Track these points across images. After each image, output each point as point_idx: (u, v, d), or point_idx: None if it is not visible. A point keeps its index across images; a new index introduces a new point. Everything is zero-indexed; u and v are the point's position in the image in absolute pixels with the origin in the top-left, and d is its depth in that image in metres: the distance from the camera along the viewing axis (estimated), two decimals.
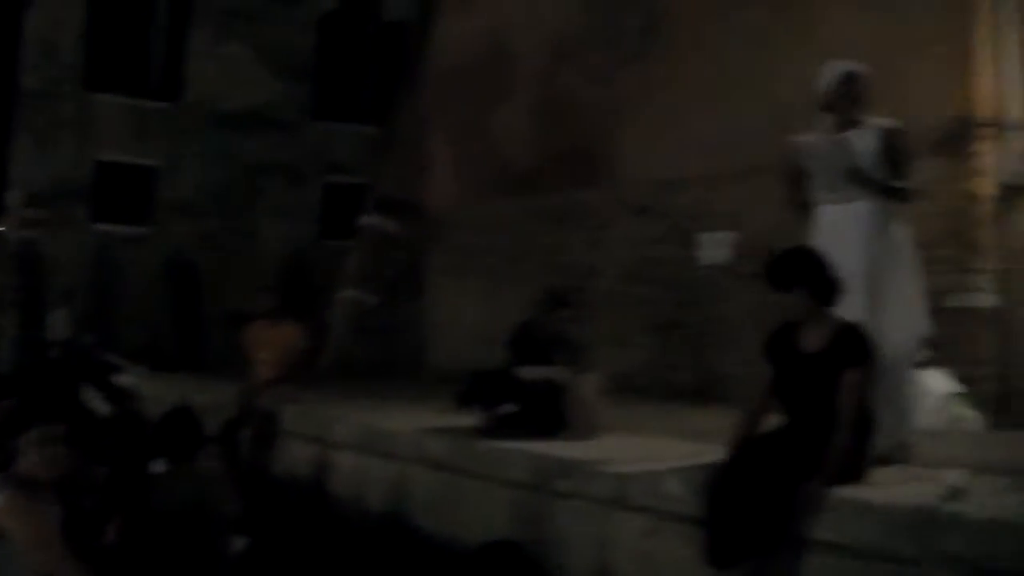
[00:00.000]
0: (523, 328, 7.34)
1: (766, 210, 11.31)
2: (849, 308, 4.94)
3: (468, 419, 7.28)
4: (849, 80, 5.69)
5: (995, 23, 10.44)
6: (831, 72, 5.76)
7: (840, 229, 5.52)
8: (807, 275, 4.76)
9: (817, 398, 4.62)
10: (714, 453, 4.85)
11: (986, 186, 10.24)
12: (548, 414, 6.86)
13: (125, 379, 10.57)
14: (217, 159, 21.88)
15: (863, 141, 5.62)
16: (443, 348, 15.32)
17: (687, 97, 12.47)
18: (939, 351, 10.03)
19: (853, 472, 4.67)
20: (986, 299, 10.20)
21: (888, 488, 4.67)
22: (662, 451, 6.06)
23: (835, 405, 4.56)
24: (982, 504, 4.30)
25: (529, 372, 6.99)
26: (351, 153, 22.30)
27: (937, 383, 9.87)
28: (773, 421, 4.92)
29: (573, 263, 13.72)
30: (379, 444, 7.94)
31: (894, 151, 5.66)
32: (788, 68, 10.50)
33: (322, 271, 18.96)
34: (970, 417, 9.67)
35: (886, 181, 5.58)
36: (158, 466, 5.93)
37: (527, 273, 13.82)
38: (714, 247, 12.00)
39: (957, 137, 10.23)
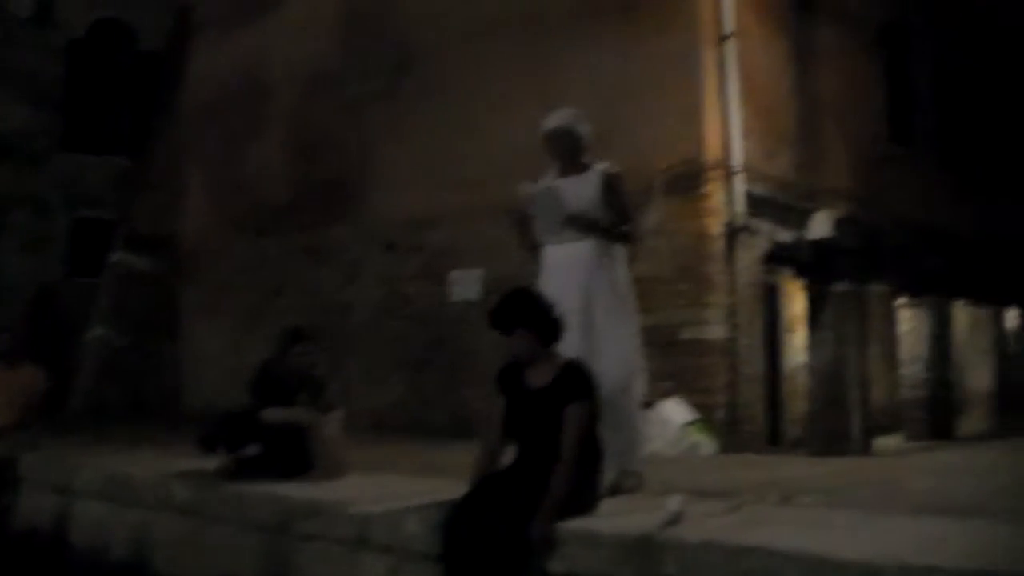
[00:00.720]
0: (264, 368, 7.18)
1: (514, 248, 11.75)
2: (568, 345, 5.08)
3: (214, 462, 7.07)
4: (553, 138, 5.82)
5: (721, 74, 11.12)
6: (547, 123, 5.88)
7: (561, 269, 5.69)
8: (527, 317, 4.84)
9: (544, 434, 4.70)
10: (456, 490, 4.89)
11: (715, 225, 10.85)
12: (293, 455, 6.70)
13: None
14: None
15: (582, 186, 5.76)
16: (198, 389, 14.88)
17: (438, 135, 12.67)
18: (677, 382, 10.59)
19: (585, 504, 4.79)
20: (715, 331, 10.79)
21: (616, 518, 4.79)
22: (406, 490, 6.01)
23: (559, 440, 4.64)
24: (697, 527, 4.50)
25: (271, 414, 6.84)
26: (102, 186, 21.42)
27: (675, 412, 10.35)
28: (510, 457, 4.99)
29: (328, 300, 13.66)
30: (123, 491, 7.58)
31: (613, 194, 5.77)
32: (531, 109, 10.81)
33: (71, 309, 18.10)
34: (703, 444, 10.18)
35: (604, 224, 5.74)
36: None
37: (283, 310, 13.64)
38: (465, 284, 12.19)
39: (689, 179, 10.82)
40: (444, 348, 12.32)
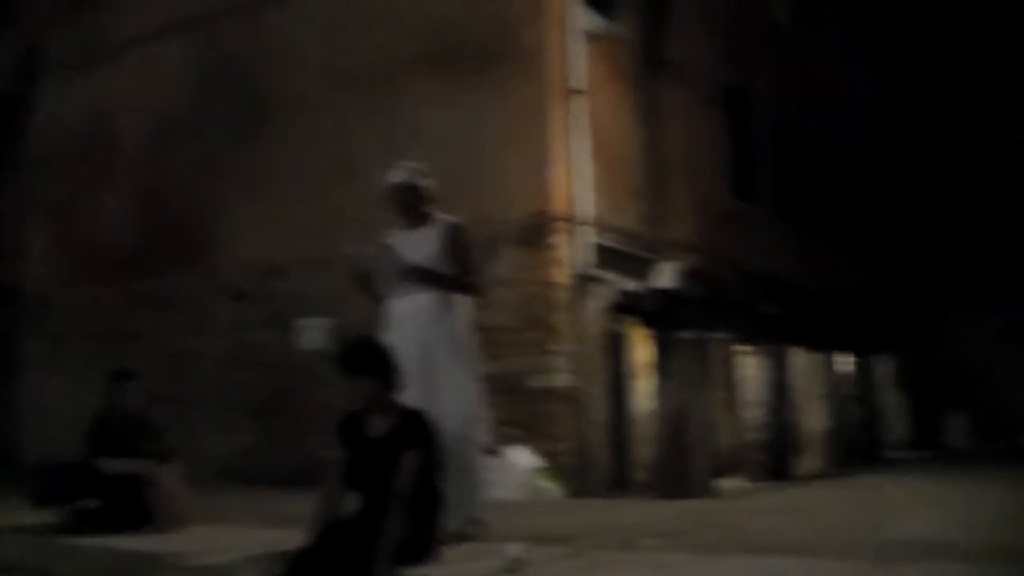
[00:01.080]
0: (99, 417, 6.98)
1: (363, 299, 11.70)
2: (409, 395, 5.10)
3: (51, 517, 6.81)
4: (395, 193, 5.89)
5: (569, 128, 11.33)
6: (389, 178, 5.94)
7: (403, 321, 5.74)
8: (369, 363, 4.87)
9: (384, 483, 4.67)
10: (297, 541, 4.82)
11: (561, 275, 11.01)
12: (132, 507, 6.50)
13: None
14: None
15: (425, 239, 5.83)
16: (37, 441, 14.28)
17: (289, 185, 12.59)
18: (524, 429, 10.65)
19: (423, 552, 4.77)
20: (563, 379, 10.91)
21: (455, 565, 4.79)
22: (248, 541, 5.90)
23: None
24: (537, 574, 4.53)
25: (108, 465, 6.64)
26: None
27: (521, 459, 10.42)
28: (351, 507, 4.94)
29: (176, 348, 13.34)
30: None
31: (457, 246, 5.85)
32: (377, 159, 10.83)
33: None
34: (551, 489, 10.26)
35: (446, 275, 5.80)
36: None
37: (127, 360, 13.25)
38: (313, 333, 12.07)
39: (536, 231, 10.96)
40: (292, 397, 12.16)
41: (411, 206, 5.91)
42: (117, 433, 6.89)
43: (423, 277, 5.73)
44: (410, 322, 5.71)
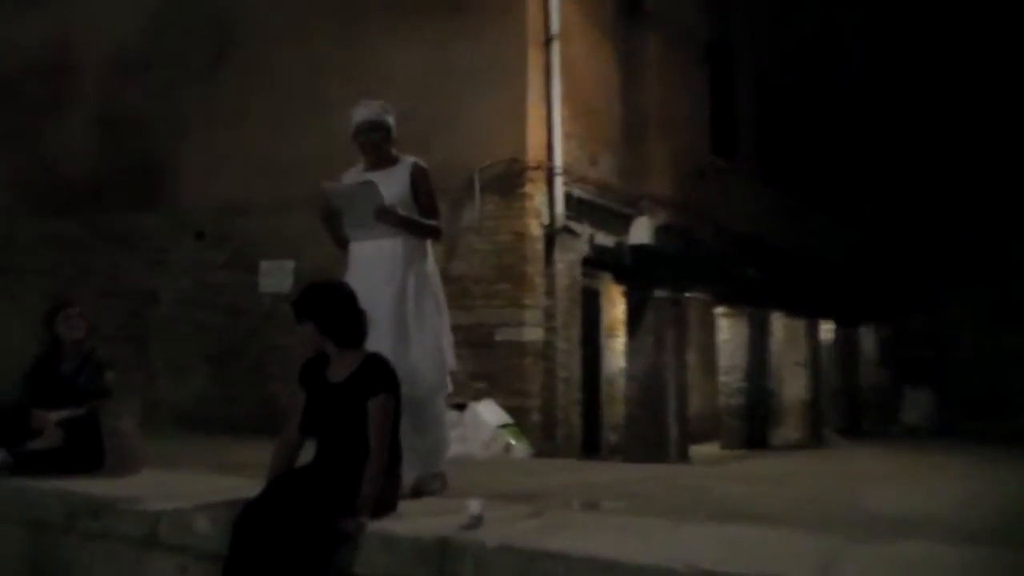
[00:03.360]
0: (39, 356, 6.92)
1: (329, 240, 11.64)
2: (377, 343, 5.08)
3: None
4: (361, 130, 5.80)
5: (545, 75, 11.35)
6: (355, 115, 5.86)
7: (370, 266, 5.65)
8: (318, 309, 4.86)
9: (344, 429, 4.72)
10: (254, 488, 4.84)
11: (534, 226, 11.06)
12: (82, 448, 6.44)
13: None
14: None
15: (392, 180, 5.73)
16: None
17: (253, 122, 12.52)
18: (492, 383, 10.72)
19: (382, 505, 4.77)
20: (533, 333, 10.96)
21: (415, 519, 4.81)
22: (203, 487, 5.87)
23: (360, 436, 4.67)
24: (497, 531, 4.57)
25: (46, 417, 6.57)
26: None
27: (488, 414, 10.45)
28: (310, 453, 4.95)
29: (132, 288, 13.31)
30: None
31: (422, 188, 5.78)
32: (346, 99, 10.78)
33: None
34: (517, 447, 10.31)
35: (418, 218, 5.73)
36: None
37: (84, 297, 13.10)
38: (276, 276, 12.07)
39: (509, 179, 10.98)
40: (253, 341, 12.19)
41: (377, 145, 5.82)
42: (55, 370, 6.86)
43: (394, 219, 5.63)
44: (378, 267, 5.65)
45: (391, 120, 5.89)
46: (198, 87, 13.12)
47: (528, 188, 10.98)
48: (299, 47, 12.34)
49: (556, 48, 11.43)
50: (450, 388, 5.86)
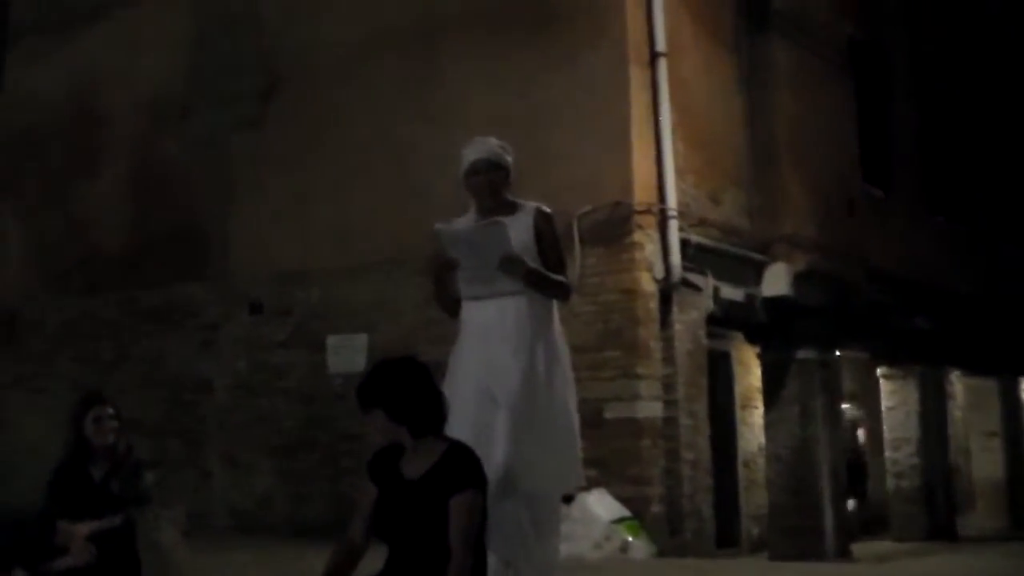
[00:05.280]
0: (64, 460, 6.97)
1: (408, 308, 11.99)
2: (500, 428, 5.28)
3: None
4: (477, 171, 5.79)
5: (652, 100, 11.63)
6: (466, 155, 5.85)
7: (490, 332, 5.60)
8: (385, 393, 4.89)
9: (419, 533, 4.74)
10: None
11: (646, 281, 11.31)
12: (118, 566, 6.56)
13: None
14: None
15: (513, 229, 5.56)
16: (12, 484, 14.79)
17: (311, 173, 13.02)
18: (603, 470, 10.81)
19: None
20: (650, 408, 11.21)
21: None
22: None
23: (439, 541, 4.64)
24: None
25: (73, 529, 6.54)
26: None
27: (601, 507, 10.61)
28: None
29: (179, 373, 13.87)
30: None
31: (546, 238, 5.68)
32: (429, 144, 11.31)
33: None
34: (637, 545, 10.51)
35: (545, 272, 5.59)
36: None
37: (122, 386, 13.60)
38: (347, 353, 12.45)
39: (614, 226, 11.28)
40: (323, 430, 12.57)
41: (497, 189, 5.77)
42: (85, 475, 7.14)
43: (526, 272, 5.52)
44: (500, 333, 5.60)
45: (510, 160, 5.86)
46: (245, 134, 13.66)
47: (637, 236, 11.23)
48: (361, 84, 12.77)
49: (663, 67, 11.66)
50: (583, 481, 5.91)
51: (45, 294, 15.30)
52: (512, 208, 5.74)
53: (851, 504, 18.39)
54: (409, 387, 4.93)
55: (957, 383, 19.01)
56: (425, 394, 4.94)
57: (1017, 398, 21.20)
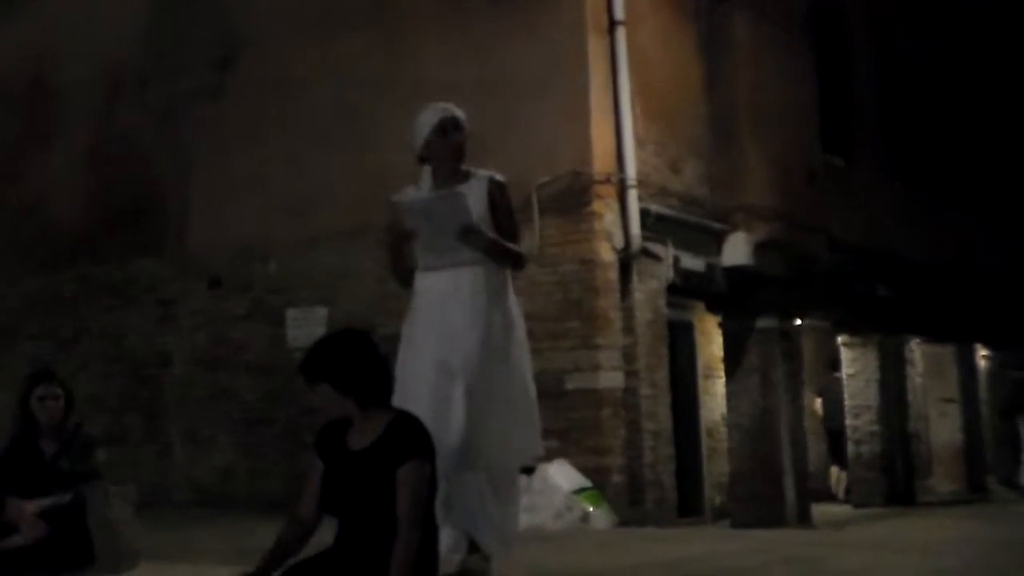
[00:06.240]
0: (14, 437, 6.92)
1: (368, 280, 11.92)
2: (458, 400, 5.25)
3: None
4: (447, 128, 5.70)
5: (611, 69, 11.59)
6: (427, 118, 5.78)
7: (446, 303, 5.55)
8: (329, 366, 4.83)
9: (368, 505, 4.72)
10: None
11: (605, 251, 11.28)
12: (68, 543, 6.52)
13: None
14: None
15: (469, 197, 5.53)
16: None
17: (270, 145, 12.95)
18: (563, 440, 10.81)
19: None
20: (611, 379, 11.19)
21: None
22: None
23: (388, 512, 4.62)
24: None
25: (23, 506, 6.51)
26: None
27: (562, 478, 10.59)
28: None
29: (138, 348, 13.85)
30: None
31: (500, 207, 5.68)
32: (388, 114, 11.07)
33: None
34: (598, 515, 10.48)
35: (503, 242, 5.60)
36: None
37: (82, 362, 13.80)
38: (307, 326, 12.35)
39: (573, 196, 11.25)
40: (283, 404, 12.50)
41: (459, 154, 5.73)
42: (35, 451, 7.04)
43: (485, 242, 5.52)
44: (457, 305, 5.56)
45: (467, 125, 5.83)
46: (203, 105, 13.59)
47: (596, 206, 11.21)
48: (323, 52, 12.70)
49: (622, 35, 11.60)
50: (542, 451, 5.93)
51: (2, 270, 15.19)
52: (466, 177, 5.73)
53: (835, 471, 18.66)
54: (353, 358, 4.89)
55: (916, 350, 19.13)
56: (370, 364, 4.89)
57: (974, 364, 21.41)
